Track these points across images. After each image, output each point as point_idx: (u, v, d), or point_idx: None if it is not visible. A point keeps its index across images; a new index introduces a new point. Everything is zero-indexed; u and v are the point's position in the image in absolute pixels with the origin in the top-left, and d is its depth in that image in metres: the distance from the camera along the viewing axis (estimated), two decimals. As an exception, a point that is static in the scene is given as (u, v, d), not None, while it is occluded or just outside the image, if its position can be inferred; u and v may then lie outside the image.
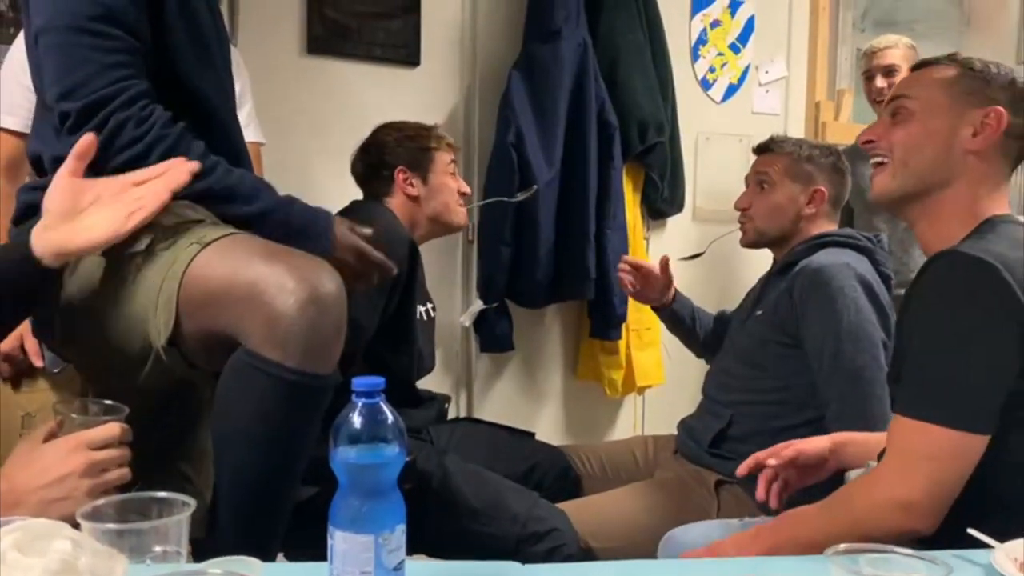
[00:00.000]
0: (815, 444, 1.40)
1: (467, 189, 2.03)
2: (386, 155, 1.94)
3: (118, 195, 1.09)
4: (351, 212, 1.83)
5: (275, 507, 1.14)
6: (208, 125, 1.29)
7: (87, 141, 1.12)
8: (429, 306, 2.03)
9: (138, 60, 1.21)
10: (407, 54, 2.50)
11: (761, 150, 1.97)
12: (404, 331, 1.82)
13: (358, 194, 2.02)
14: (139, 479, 1.42)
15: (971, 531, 1.06)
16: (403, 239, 1.78)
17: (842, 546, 0.78)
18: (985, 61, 1.31)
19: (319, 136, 2.39)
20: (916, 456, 1.11)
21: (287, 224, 1.24)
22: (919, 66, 1.36)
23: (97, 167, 1.16)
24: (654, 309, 2.15)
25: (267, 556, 1.07)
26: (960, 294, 1.12)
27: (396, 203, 1.94)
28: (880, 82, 2.71)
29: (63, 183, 1.11)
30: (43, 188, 1.15)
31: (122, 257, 1.14)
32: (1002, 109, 1.24)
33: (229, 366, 1.10)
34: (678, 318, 2.10)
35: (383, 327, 1.73)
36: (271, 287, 1.05)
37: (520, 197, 2.36)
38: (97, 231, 1.07)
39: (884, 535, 1.08)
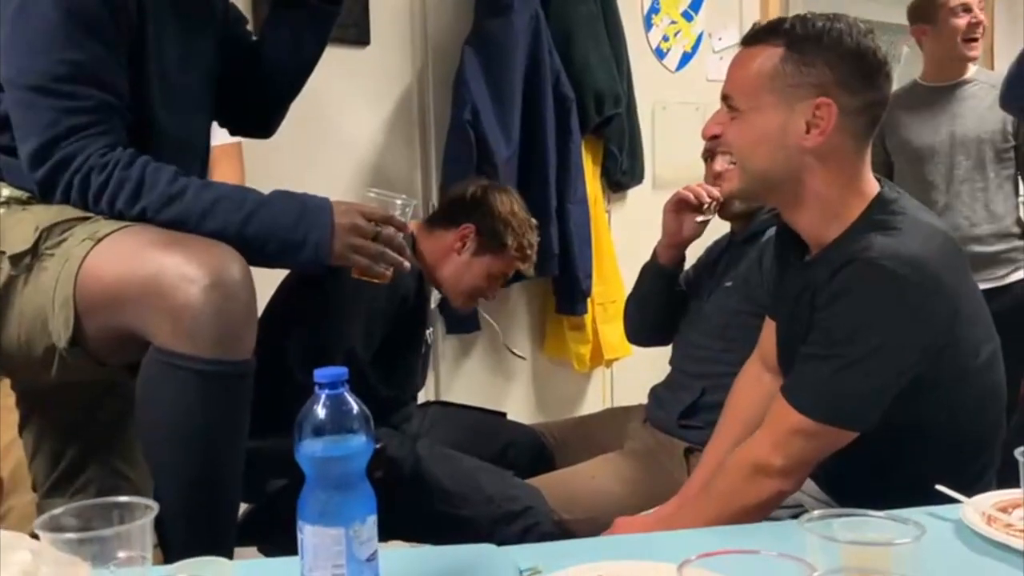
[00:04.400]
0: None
1: (492, 298, 1.99)
2: (475, 211, 1.85)
3: None
4: None
5: (220, 503, 1.11)
6: None
7: None
8: (430, 331, 1.98)
9: (109, 115, 1.17)
10: (357, 33, 2.45)
11: None
12: (401, 368, 1.79)
13: (315, 177, 1.96)
14: (73, 477, 1.39)
15: (940, 487, 1.08)
16: (413, 268, 1.71)
17: (816, 512, 0.78)
18: (813, 22, 1.19)
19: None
20: (786, 431, 1.16)
21: (275, 218, 1.17)
22: (748, 41, 1.25)
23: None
24: (658, 268, 1.88)
25: (222, 554, 1.05)
26: (877, 310, 1.12)
27: (439, 241, 1.86)
28: (961, 20, 2.36)
29: None
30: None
31: (6, 260, 1.12)
32: (830, 101, 1.16)
33: (143, 367, 1.08)
34: (673, 281, 1.88)
35: (377, 357, 1.70)
36: (171, 278, 1.03)
37: None
38: None
39: (753, 497, 1.17)
